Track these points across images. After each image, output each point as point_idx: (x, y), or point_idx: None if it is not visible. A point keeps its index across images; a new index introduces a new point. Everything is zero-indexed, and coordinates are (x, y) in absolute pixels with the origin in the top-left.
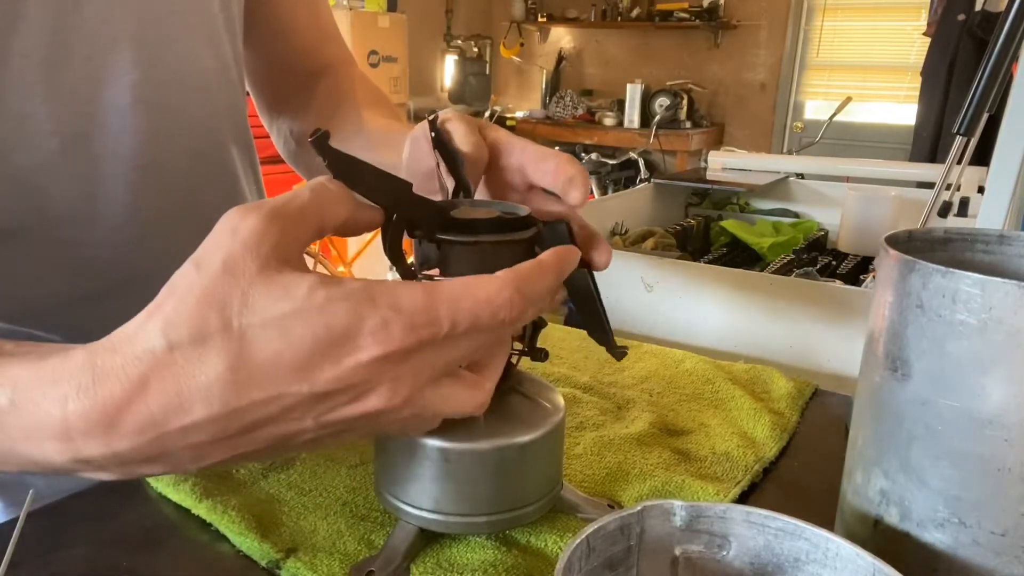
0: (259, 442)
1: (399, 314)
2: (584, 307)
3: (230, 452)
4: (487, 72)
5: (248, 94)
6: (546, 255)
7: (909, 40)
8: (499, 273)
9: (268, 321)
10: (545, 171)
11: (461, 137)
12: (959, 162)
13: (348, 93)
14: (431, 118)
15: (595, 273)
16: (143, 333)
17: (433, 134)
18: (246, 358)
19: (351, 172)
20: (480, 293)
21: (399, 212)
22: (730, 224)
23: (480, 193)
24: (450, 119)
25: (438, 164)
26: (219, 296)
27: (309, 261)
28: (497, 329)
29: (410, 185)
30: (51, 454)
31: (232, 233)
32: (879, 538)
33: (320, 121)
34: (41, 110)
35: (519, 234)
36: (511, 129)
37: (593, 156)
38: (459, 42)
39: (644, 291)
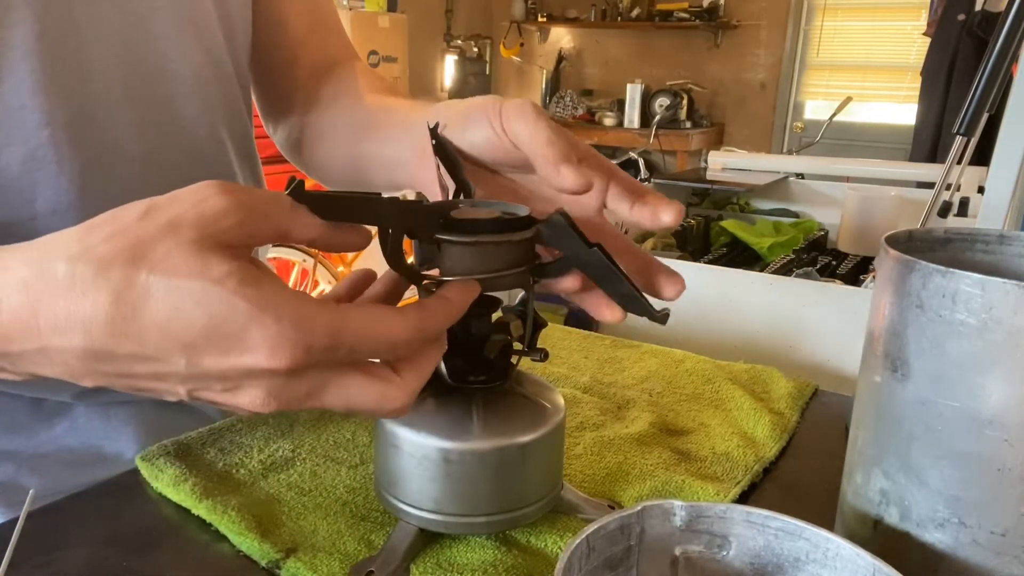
0: (131, 387)
1: (298, 333)
2: (608, 283)
3: (102, 383)
4: (487, 72)
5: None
6: (451, 290)
7: (909, 40)
8: (408, 312)
9: (174, 287)
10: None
11: (534, 146)
12: (959, 162)
13: (349, 81)
14: (432, 126)
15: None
16: (60, 250)
17: (434, 141)
18: (136, 310)
19: (335, 209)
20: (383, 331)
21: (393, 227)
22: (730, 224)
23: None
24: (520, 117)
25: (438, 166)
26: (146, 243)
27: (309, 261)
28: (391, 359)
29: (396, 200)
30: None
31: (197, 202)
32: (879, 538)
33: (322, 114)
34: (31, 102)
35: (519, 234)
36: None
37: None
38: (459, 42)
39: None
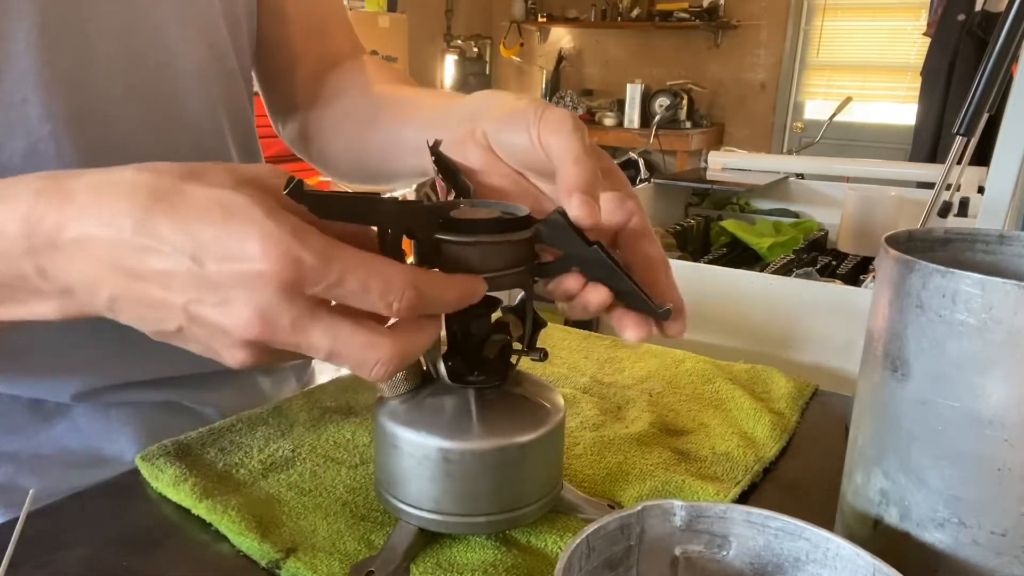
0: (137, 296)
1: (293, 242)
2: (609, 281)
3: (117, 291)
4: (487, 72)
5: (257, 92)
6: (457, 276)
7: (909, 40)
8: (408, 266)
9: (208, 193)
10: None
11: (561, 162)
12: (959, 162)
13: (357, 75)
14: (432, 144)
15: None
16: (134, 165)
17: (433, 157)
18: (171, 209)
19: (334, 209)
20: (379, 268)
21: (393, 227)
22: (730, 224)
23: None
24: (557, 130)
25: (436, 172)
26: (202, 170)
27: None
28: (380, 309)
29: (395, 200)
30: (13, 234)
31: (255, 165)
32: (879, 538)
33: (325, 109)
34: (33, 96)
35: (518, 234)
36: None
37: None
38: (459, 42)
39: None
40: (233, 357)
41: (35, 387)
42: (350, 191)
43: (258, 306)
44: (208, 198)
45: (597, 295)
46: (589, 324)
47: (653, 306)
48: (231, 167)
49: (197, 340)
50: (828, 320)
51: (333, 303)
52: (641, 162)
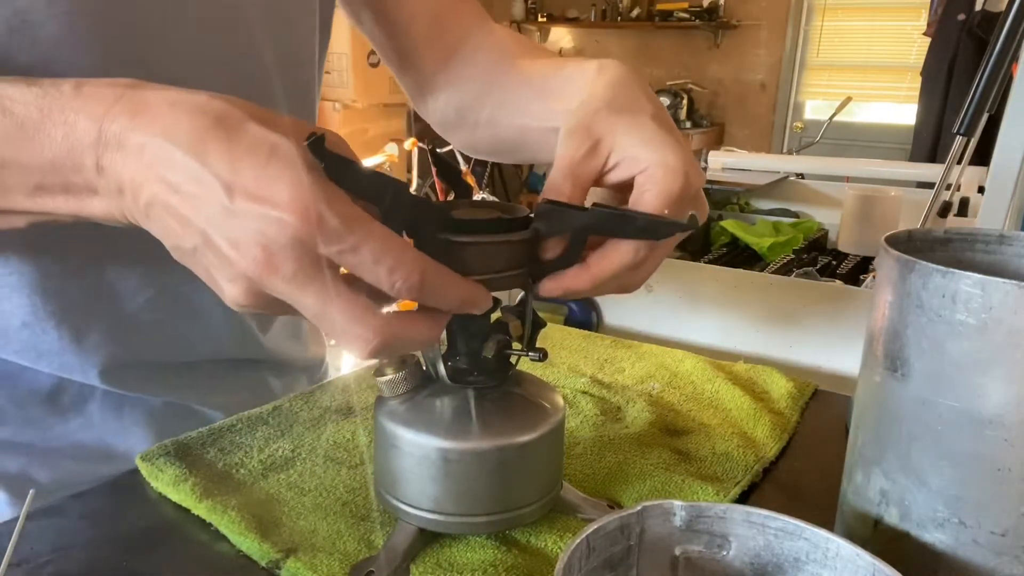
0: (169, 207)
1: (318, 199)
2: (624, 229)
3: (156, 196)
4: None
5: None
6: (466, 280)
7: (909, 40)
8: (421, 253)
9: (260, 132)
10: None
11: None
12: (959, 162)
13: (494, 51)
14: (430, 148)
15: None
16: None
17: (432, 158)
18: (227, 139)
19: (346, 174)
20: (394, 246)
21: (395, 212)
22: (730, 224)
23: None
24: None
25: (435, 172)
26: (272, 114)
27: None
28: (384, 284)
29: (406, 186)
30: (85, 127)
31: (329, 132)
32: (879, 538)
33: (472, 90)
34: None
35: (518, 234)
36: None
37: None
38: None
39: (644, 291)
40: (230, 292)
41: (64, 359)
42: (368, 168)
43: (267, 247)
44: (262, 138)
45: (594, 269)
46: (589, 324)
47: (678, 223)
48: (301, 122)
49: (204, 267)
50: (828, 320)
51: (343, 272)
52: None
